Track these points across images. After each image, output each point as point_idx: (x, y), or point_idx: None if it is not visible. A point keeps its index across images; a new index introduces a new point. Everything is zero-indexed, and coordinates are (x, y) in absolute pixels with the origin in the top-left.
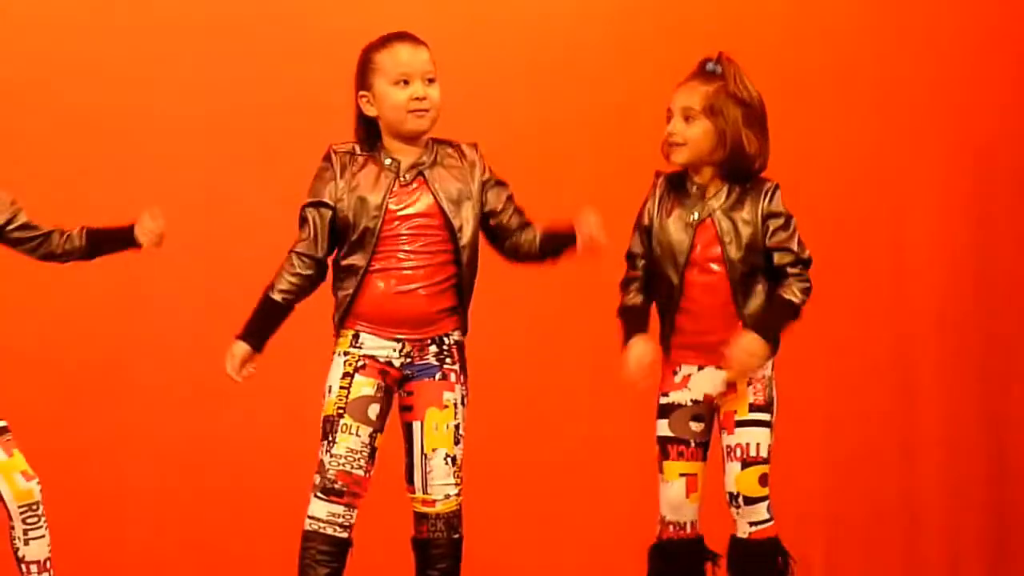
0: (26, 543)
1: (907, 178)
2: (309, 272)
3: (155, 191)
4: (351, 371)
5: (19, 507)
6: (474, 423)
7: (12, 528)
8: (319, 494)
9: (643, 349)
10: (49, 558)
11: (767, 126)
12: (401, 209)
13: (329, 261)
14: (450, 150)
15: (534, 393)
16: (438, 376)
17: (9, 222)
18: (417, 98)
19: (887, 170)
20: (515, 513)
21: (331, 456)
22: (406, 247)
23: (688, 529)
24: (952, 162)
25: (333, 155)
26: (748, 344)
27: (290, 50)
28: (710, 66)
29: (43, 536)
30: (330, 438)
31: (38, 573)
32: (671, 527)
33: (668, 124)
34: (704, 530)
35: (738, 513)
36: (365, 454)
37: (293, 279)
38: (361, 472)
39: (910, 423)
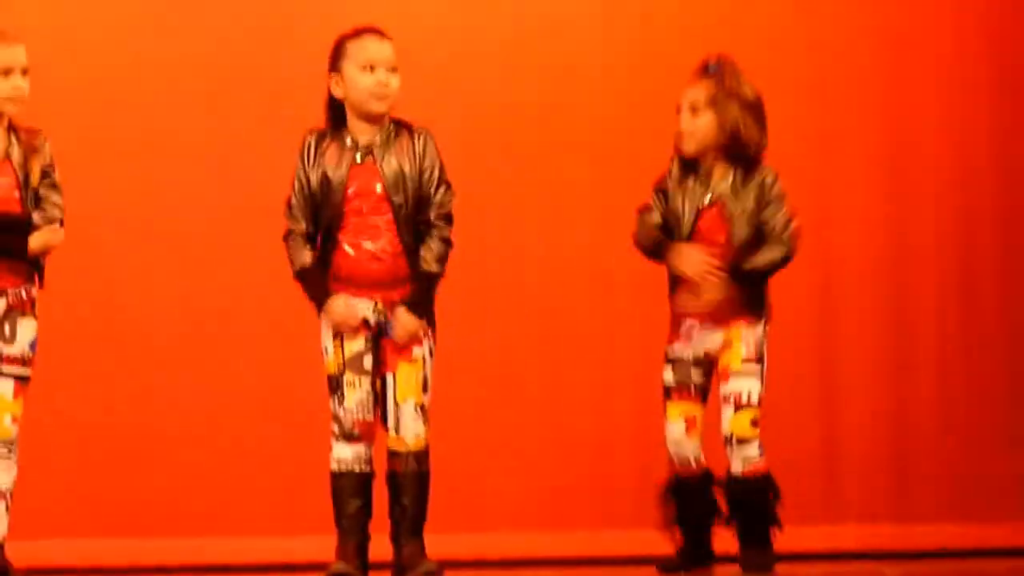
0: None
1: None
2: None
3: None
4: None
5: None
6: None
7: None
8: (341, 441)
9: (693, 248)
10: (11, 491)
11: (764, 117)
12: (357, 185)
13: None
14: (404, 132)
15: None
16: None
17: (46, 174)
18: (380, 83)
19: (888, 124)
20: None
21: (344, 410)
22: (366, 219)
23: (693, 465)
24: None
25: (308, 137)
26: None
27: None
28: (711, 66)
29: (9, 471)
30: (339, 393)
31: None
32: (676, 462)
33: (679, 117)
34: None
35: (731, 452)
36: (370, 401)
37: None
38: (371, 416)
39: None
